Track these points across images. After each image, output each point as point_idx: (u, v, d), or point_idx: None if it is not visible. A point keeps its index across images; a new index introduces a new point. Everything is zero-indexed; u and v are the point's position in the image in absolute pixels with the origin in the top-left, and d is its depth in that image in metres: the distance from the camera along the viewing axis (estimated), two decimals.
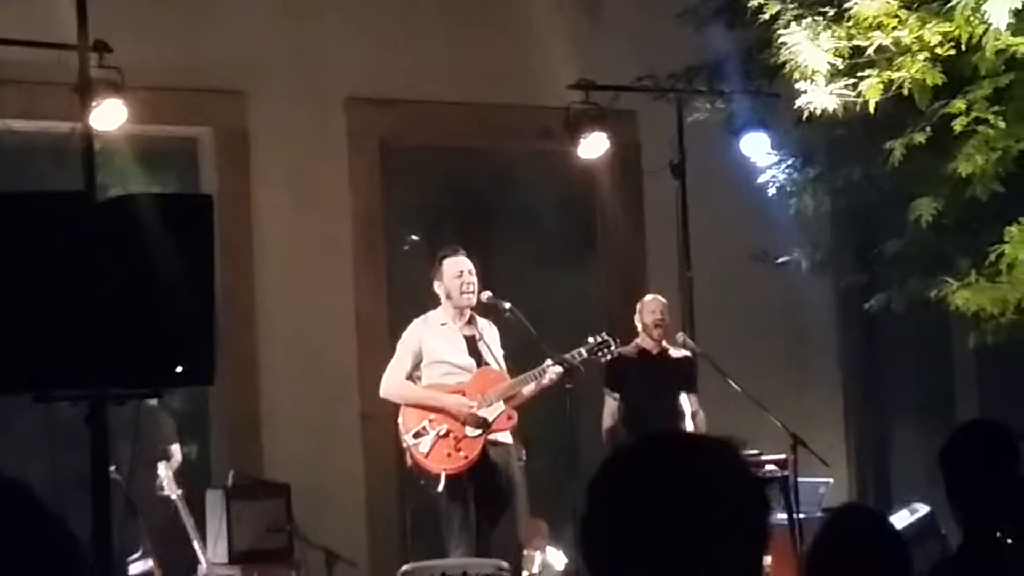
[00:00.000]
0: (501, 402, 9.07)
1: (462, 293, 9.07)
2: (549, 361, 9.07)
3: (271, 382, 10.62)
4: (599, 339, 9.28)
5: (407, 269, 11.30)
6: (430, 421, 8.99)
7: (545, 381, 9.11)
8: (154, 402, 8.98)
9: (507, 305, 9.16)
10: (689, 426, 9.89)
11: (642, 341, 9.97)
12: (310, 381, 10.65)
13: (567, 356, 9.10)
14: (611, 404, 9.91)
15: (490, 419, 9.02)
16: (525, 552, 9.39)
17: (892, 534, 3.72)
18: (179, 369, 6.21)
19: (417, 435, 8.99)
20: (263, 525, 9.27)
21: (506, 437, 9.16)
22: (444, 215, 11.58)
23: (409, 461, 9.10)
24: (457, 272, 9.10)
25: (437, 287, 9.17)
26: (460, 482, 8.93)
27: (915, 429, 12.67)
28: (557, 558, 10.35)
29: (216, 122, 10.80)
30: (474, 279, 9.12)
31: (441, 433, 8.96)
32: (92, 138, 7.64)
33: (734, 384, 9.67)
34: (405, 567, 8.40)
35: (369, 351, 10.74)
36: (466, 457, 8.95)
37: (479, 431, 8.98)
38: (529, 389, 9.15)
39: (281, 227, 10.72)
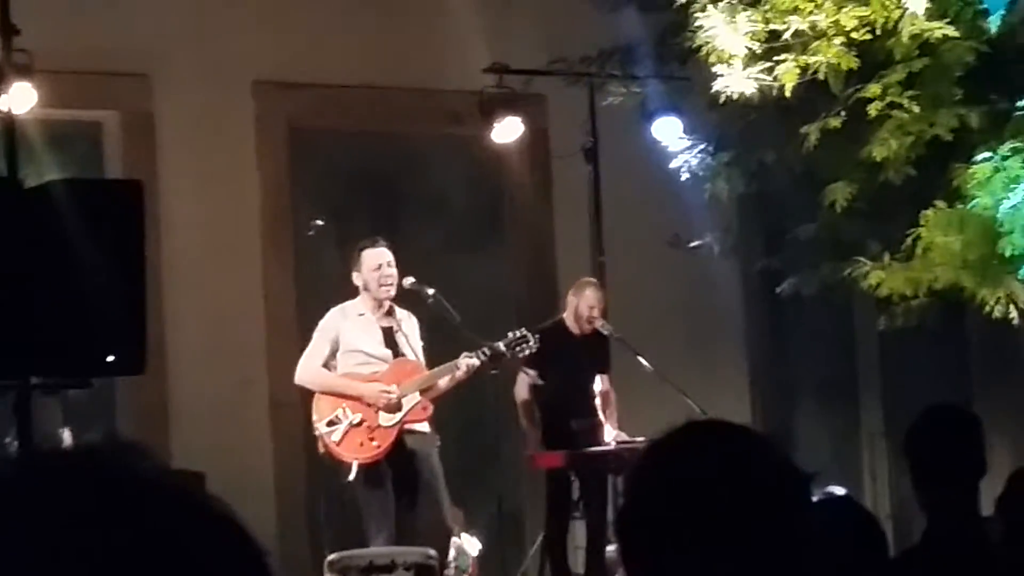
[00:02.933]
0: (417, 393, 9.01)
1: (380, 285, 8.98)
2: (465, 353, 9.03)
3: (179, 369, 10.47)
4: (518, 334, 9.24)
5: (314, 254, 11.21)
6: (344, 410, 8.92)
7: (460, 374, 9.05)
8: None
9: (430, 291, 9.11)
10: (603, 405, 9.96)
11: (568, 320, 9.90)
12: (218, 367, 10.53)
13: (483, 349, 9.05)
14: (524, 379, 9.83)
15: (405, 408, 8.95)
16: (453, 538, 9.37)
17: (871, 521, 3.72)
18: (110, 358, 6.12)
19: (331, 423, 8.92)
20: None
21: (423, 426, 9.10)
22: (353, 199, 11.49)
23: (321, 449, 9.03)
24: (376, 264, 9.00)
25: (356, 278, 9.06)
26: (377, 470, 8.87)
27: (818, 411, 12.80)
28: (472, 544, 10.34)
29: (121, 106, 10.64)
30: (393, 271, 9.02)
31: (355, 422, 8.90)
32: (13, 122, 7.45)
33: (653, 368, 9.69)
34: (332, 556, 8.32)
35: (278, 336, 10.66)
36: (379, 447, 8.89)
37: (393, 421, 8.91)
38: (445, 381, 9.09)
39: (187, 212, 10.57)
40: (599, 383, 10.03)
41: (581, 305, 9.82)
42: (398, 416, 8.95)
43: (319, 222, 11.51)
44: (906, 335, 10.38)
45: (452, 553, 9.92)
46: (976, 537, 4.02)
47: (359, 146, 11.39)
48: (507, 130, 10.45)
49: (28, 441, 6.20)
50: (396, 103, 11.15)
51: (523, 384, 9.81)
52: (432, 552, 8.35)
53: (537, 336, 9.31)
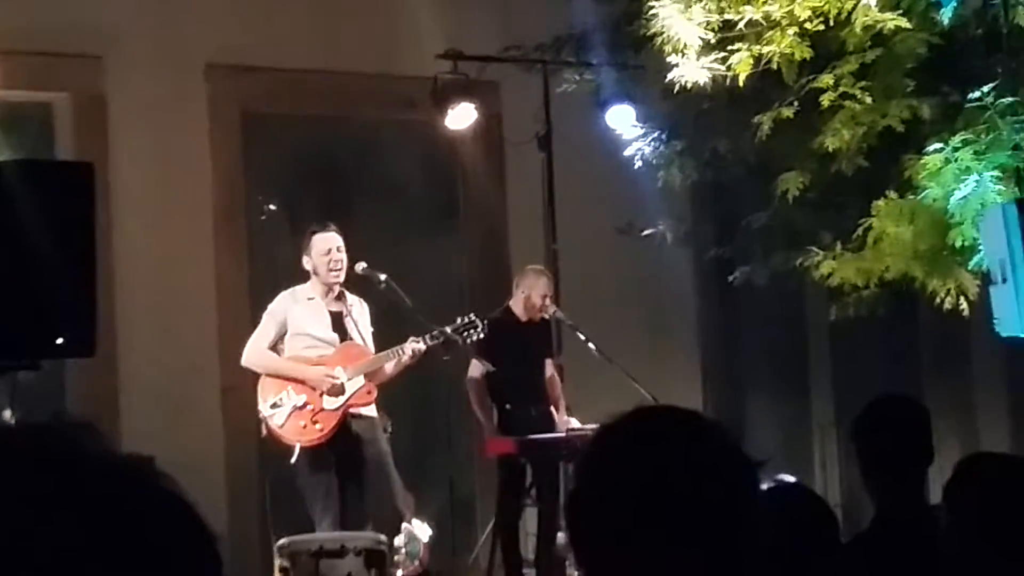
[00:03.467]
0: (362, 377, 9.02)
1: (329, 270, 9.01)
2: (412, 338, 9.04)
3: (129, 353, 10.42)
4: (466, 320, 9.28)
5: (266, 238, 11.18)
6: (288, 392, 8.94)
7: (405, 358, 9.06)
8: None
9: (382, 277, 9.14)
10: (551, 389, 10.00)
11: (515, 308, 9.93)
12: (169, 351, 10.48)
13: (431, 333, 9.07)
14: (477, 367, 9.84)
15: (349, 392, 8.96)
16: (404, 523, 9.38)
17: (822, 506, 3.74)
18: (59, 340, 6.09)
19: (274, 406, 8.97)
20: None
21: (371, 411, 9.12)
22: (306, 184, 11.46)
23: (264, 431, 9.05)
24: (325, 249, 9.03)
25: (306, 262, 9.10)
26: (322, 454, 8.89)
27: (769, 400, 12.83)
28: (422, 530, 10.33)
29: (72, 87, 10.56)
30: (343, 256, 9.05)
31: (298, 405, 8.93)
32: None
33: (604, 355, 9.71)
34: (282, 540, 8.31)
35: (229, 321, 10.62)
36: (322, 430, 8.91)
37: (337, 404, 8.92)
38: (391, 366, 9.10)
39: (139, 196, 10.51)
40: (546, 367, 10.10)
41: (534, 295, 9.86)
42: (342, 399, 8.97)
43: (272, 207, 11.49)
44: (857, 325, 10.43)
45: (403, 539, 9.92)
46: (923, 524, 4.05)
47: (312, 131, 11.35)
48: (461, 116, 10.45)
49: None
50: (350, 88, 11.12)
51: (475, 372, 9.83)
52: (382, 537, 8.37)
53: (486, 322, 9.34)
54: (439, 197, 11.95)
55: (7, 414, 9.21)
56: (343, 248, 9.05)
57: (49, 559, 1.06)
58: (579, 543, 2.28)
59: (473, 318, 9.30)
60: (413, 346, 9.02)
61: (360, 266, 9.15)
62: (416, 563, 10.12)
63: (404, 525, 9.73)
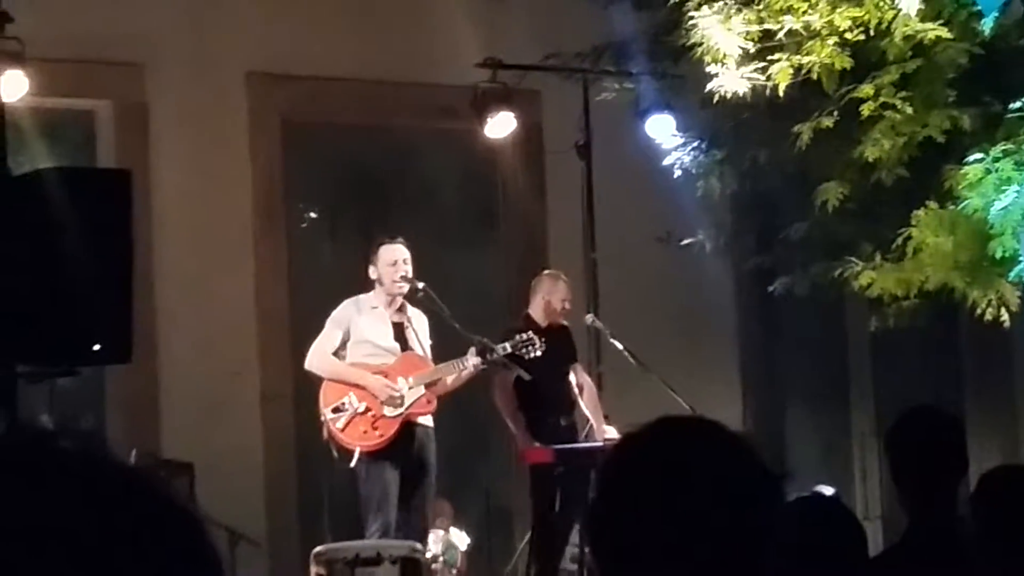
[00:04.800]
0: (422, 386, 9.08)
1: (394, 281, 9.15)
2: (472, 350, 9.09)
3: (169, 360, 10.47)
4: (524, 337, 9.31)
5: (306, 246, 11.21)
6: (350, 397, 9.03)
7: (467, 371, 9.18)
8: None
9: (420, 285, 9.18)
10: (582, 396, 9.93)
11: (535, 315, 9.87)
12: (209, 358, 10.53)
13: (491, 349, 9.12)
14: (506, 378, 9.81)
15: (408, 402, 9.01)
16: (430, 533, 9.42)
17: (849, 518, 3.73)
18: (96, 347, 6.12)
19: (336, 410, 9.07)
20: None
21: (428, 420, 9.19)
22: (345, 193, 11.49)
23: (325, 434, 9.12)
24: (392, 260, 9.17)
25: (372, 272, 9.24)
26: (381, 459, 8.94)
27: (809, 411, 12.79)
28: (460, 538, 10.35)
29: (114, 95, 10.63)
30: (409, 268, 9.17)
31: (360, 410, 9.02)
32: (3, 110, 7.42)
33: (644, 366, 9.67)
34: (319, 548, 8.35)
35: (268, 328, 10.67)
36: (382, 436, 9.01)
37: (397, 412, 8.99)
38: (452, 378, 9.18)
39: (180, 203, 10.57)
40: (573, 375, 10.02)
41: (554, 299, 9.83)
42: (402, 408, 9.03)
43: (312, 215, 11.53)
44: (897, 335, 10.39)
45: (440, 547, 9.95)
46: (953, 536, 4.03)
47: (352, 139, 11.39)
48: (500, 125, 10.44)
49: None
50: (390, 97, 11.14)
51: (505, 381, 9.78)
52: (418, 546, 8.40)
53: (543, 339, 9.33)
54: (478, 206, 11.96)
55: (44, 419, 9.30)
56: (409, 260, 9.20)
57: (34, 568, 1.06)
58: (599, 552, 2.28)
59: (531, 335, 9.34)
60: (474, 359, 9.10)
61: None
62: (454, 571, 10.15)
63: (440, 533, 9.76)
